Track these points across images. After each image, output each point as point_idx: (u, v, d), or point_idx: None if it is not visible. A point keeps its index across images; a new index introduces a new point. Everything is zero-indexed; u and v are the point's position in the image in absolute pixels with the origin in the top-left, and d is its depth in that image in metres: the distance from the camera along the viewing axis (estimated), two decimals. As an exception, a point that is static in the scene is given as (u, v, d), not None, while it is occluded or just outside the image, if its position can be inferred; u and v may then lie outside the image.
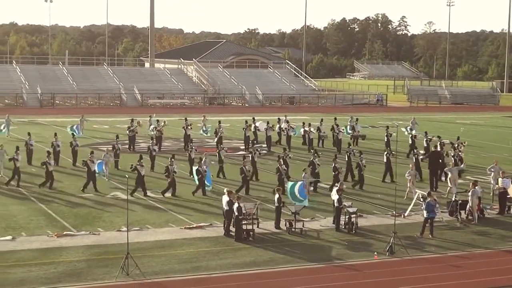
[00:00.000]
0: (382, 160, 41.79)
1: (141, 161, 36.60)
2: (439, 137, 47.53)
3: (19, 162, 38.30)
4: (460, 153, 43.74)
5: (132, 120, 53.74)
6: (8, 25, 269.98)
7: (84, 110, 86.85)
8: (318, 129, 54.81)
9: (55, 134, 46.00)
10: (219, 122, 54.98)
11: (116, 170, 42.34)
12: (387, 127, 53.37)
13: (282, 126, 56.34)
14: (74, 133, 50.15)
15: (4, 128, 56.16)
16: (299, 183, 32.60)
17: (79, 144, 45.81)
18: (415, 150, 42.93)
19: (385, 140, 51.60)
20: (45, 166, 37.35)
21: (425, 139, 48.67)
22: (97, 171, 37.33)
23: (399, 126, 51.21)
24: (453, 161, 42.00)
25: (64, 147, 45.26)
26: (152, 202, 34.67)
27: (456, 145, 44.63)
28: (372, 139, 59.13)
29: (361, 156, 39.52)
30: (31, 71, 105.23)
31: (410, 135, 51.15)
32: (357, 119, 59.48)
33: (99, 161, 38.09)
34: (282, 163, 37.59)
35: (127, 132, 52.15)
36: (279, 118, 57.76)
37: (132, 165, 36.71)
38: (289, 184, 32.99)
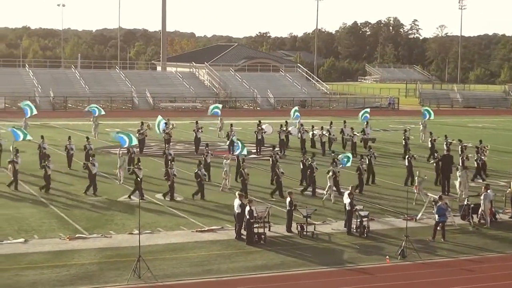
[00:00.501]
0: (395, 163, 41.77)
1: (139, 164, 36.74)
2: (460, 140, 47.30)
3: (18, 164, 38.38)
4: (483, 158, 43.63)
5: (142, 123, 53.80)
6: (21, 29, 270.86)
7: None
8: (328, 132, 54.67)
9: (69, 138, 46.04)
10: (231, 125, 55.04)
11: (128, 174, 42.39)
12: (405, 130, 53.29)
13: (289, 129, 56.29)
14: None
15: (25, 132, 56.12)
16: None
17: (92, 147, 45.83)
18: (435, 154, 42.63)
19: (403, 143, 51.34)
20: (44, 169, 37.36)
21: (445, 142, 48.52)
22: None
23: (410, 130, 51.14)
24: (476, 165, 42.06)
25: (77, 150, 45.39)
26: (164, 205, 34.71)
27: (479, 149, 44.51)
28: (384, 142, 59.00)
29: (362, 160, 39.56)
30: (44, 75, 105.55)
31: (430, 139, 50.79)
32: (367, 122, 59.44)
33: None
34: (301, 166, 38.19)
35: (137, 135, 52.20)
36: (286, 121, 57.72)
37: (129, 168, 36.92)
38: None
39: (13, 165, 38.12)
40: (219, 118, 60.73)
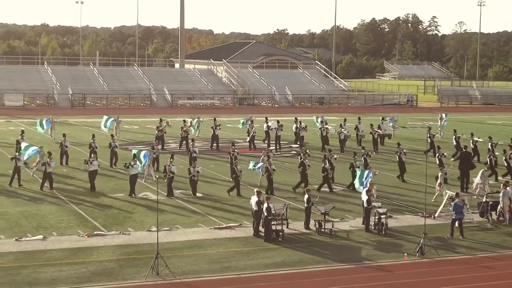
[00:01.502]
0: (413, 160, 41.55)
1: (135, 159, 36.98)
2: (490, 138, 47.38)
3: (21, 161, 38.56)
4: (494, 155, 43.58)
5: (161, 120, 53.97)
6: (40, 27, 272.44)
7: (114, 110, 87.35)
8: (341, 127, 54.45)
9: (93, 136, 46.10)
10: (252, 121, 55.09)
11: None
12: (429, 127, 53.14)
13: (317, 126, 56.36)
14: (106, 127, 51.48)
15: (47, 129, 56.35)
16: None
17: (118, 145, 45.95)
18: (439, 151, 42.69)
19: (429, 141, 51.18)
20: (44, 167, 37.47)
21: (471, 140, 48.39)
22: (142, 162, 37.60)
23: (431, 129, 51.00)
24: (488, 162, 41.97)
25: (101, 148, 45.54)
26: (182, 202, 34.77)
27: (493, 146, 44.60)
28: (402, 139, 58.79)
29: (355, 157, 39.83)
30: (62, 72, 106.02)
31: (454, 137, 50.52)
32: (382, 118, 59.27)
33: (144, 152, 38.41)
34: (327, 163, 38.21)
35: (156, 132, 52.44)
36: (296, 118, 57.68)
37: (125, 163, 37.12)
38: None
39: (15, 161, 38.26)
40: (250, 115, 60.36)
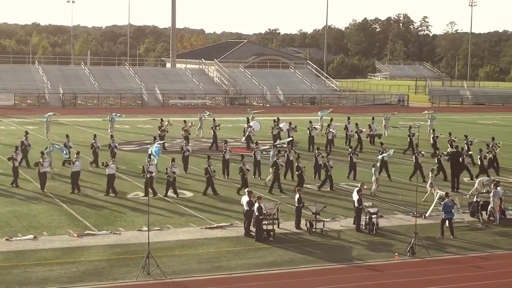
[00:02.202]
0: (401, 160, 41.67)
1: (113, 159, 37.06)
2: (465, 136, 47.51)
3: (18, 161, 38.42)
4: (487, 154, 43.71)
5: (162, 120, 54.12)
6: (31, 26, 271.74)
7: (106, 110, 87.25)
8: (328, 127, 54.45)
9: (95, 136, 45.93)
10: (248, 121, 55.09)
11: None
12: (410, 127, 53.23)
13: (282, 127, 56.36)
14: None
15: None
16: None
17: (117, 145, 45.92)
18: (437, 151, 42.92)
19: (408, 140, 51.47)
20: (37, 167, 37.33)
21: (431, 136, 48.88)
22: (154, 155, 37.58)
23: (420, 127, 50.93)
24: (480, 162, 42.19)
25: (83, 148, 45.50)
26: (173, 202, 34.74)
27: (489, 146, 44.77)
28: (393, 138, 58.89)
29: (328, 156, 40.15)
30: (53, 71, 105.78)
31: (432, 136, 50.80)
32: (373, 118, 59.37)
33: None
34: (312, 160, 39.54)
35: (159, 132, 52.49)
36: (278, 118, 57.62)
37: (103, 162, 37.14)
38: None
39: (13, 162, 38.19)
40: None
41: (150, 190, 34.39)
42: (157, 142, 36.24)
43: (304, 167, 37.71)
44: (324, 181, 38.60)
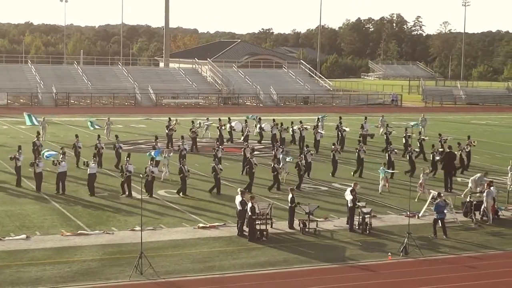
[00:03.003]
0: (396, 160, 41.74)
1: (94, 158, 37.11)
2: (439, 134, 48.18)
3: (20, 161, 38.33)
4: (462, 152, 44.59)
5: (170, 119, 54.18)
6: (24, 25, 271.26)
7: (99, 109, 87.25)
8: (315, 128, 54.47)
9: (99, 136, 45.75)
10: (246, 121, 55.09)
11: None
12: (387, 125, 53.63)
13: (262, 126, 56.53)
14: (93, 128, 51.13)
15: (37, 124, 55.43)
16: None
17: (122, 146, 45.63)
18: (409, 148, 44.16)
19: (385, 138, 51.92)
20: (33, 167, 37.21)
21: (404, 135, 49.14)
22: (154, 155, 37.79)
23: (413, 127, 51.16)
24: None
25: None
26: (166, 202, 34.70)
27: (460, 145, 45.43)
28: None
29: (301, 155, 40.08)
30: (46, 71, 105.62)
31: (404, 134, 50.48)
32: (366, 118, 59.44)
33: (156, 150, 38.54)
34: (303, 158, 39.00)
35: (166, 131, 52.54)
36: (260, 118, 57.64)
37: (85, 162, 37.09)
38: None
39: (15, 162, 38.14)
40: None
41: (145, 189, 34.53)
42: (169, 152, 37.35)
43: (280, 167, 37.85)
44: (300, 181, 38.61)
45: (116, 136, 46.93)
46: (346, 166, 44.59)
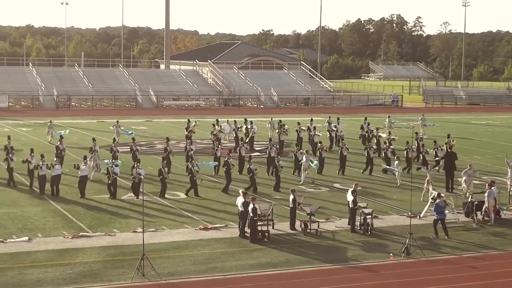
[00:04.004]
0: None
1: (85, 160, 37.09)
2: (416, 133, 49.54)
3: (32, 164, 38.38)
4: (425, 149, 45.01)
5: (189, 121, 54.28)
6: (25, 28, 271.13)
7: (100, 111, 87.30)
8: (309, 129, 54.43)
9: (114, 140, 45.71)
10: (251, 122, 54.98)
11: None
12: (368, 123, 54.45)
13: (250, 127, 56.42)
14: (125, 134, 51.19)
15: (65, 131, 54.76)
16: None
17: (139, 148, 45.82)
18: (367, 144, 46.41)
19: (365, 135, 52.32)
20: (37, 169, 37.27)
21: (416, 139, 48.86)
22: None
23: (414, 127, 51.07)
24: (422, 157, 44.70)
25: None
26: (168, 203, 34.72)
27: (436, 143, 45.74)
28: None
29: (278, 156, 40.40)
30: (47, 73, 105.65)
31: (417, 140, 50.29)
32: (366, 118, 59.44)
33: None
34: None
35: (186, 132, 52.61)
36: (245, 119, 57.38)
37: (74, 164, 37.12)
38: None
39: (28, 164, 38.20)
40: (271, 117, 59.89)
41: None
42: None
43: (256, 169, 37.81)
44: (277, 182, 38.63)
45: (133, 139, 46.86)
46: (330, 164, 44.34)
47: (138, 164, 36.61)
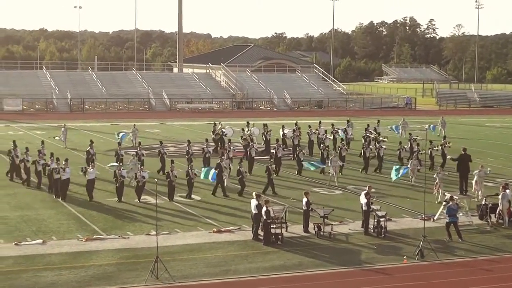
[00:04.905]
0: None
1: (93, 163, 37.09)
2: (410, 134, 50.47)
3: (29, 162, 38.54)
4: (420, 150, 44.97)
5: (215, 124, 54.46)
6: (38, 31, 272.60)
7: (113, 115, 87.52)
8: (325, 133, 54.39)
9: (139, 143, 45.71)
10: (265, 125, 54.92)
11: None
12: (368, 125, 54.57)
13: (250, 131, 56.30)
14: (120, 141, 50.22)
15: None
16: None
17: (166, 151, 45.41)
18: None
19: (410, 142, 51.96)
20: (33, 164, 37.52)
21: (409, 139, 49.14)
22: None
23: (427, 130, 51.11)
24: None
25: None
26: (181, 206, 34.76)
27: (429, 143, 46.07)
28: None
29: (271, 160, 40.30)
30: (61, 77, 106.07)
31: (409, 141, 50.02)
32: (378, 121, 59.37)
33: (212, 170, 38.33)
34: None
35: (213, 136, 52.74)
36: (248, 122, 57.36)
37: (82, 167, 37.11)
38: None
39: (36, 166, 38.51)
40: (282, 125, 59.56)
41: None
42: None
43: (246, 172, 38.14)
44: (267, 185, 38.38)
45: (160, 142, 46.77)
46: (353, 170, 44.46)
47: (142, 167, 36.68)
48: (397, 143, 49.03)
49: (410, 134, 51.00)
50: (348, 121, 58.43)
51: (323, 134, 53.10)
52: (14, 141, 43.59)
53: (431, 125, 64.60)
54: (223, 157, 39.67)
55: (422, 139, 44.73)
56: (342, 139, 50.06)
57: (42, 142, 45.49)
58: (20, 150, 42.05)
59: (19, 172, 41.08)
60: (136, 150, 43.89)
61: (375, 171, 44.85)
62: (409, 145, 47.73)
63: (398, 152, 46.67)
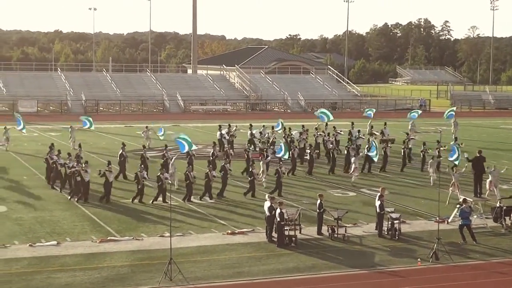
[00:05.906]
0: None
1: (110, 166, 36.71)
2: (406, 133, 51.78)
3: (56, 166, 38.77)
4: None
5: (230, 125, 54.51)
6: (53, 33, 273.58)
7: (127, 116, 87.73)
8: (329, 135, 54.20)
9: (166, 146, 45.57)
10: (272, 127, 54.89)
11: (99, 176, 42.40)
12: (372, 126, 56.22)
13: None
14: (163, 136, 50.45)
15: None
16: None
17: (194, 153, 45.15)
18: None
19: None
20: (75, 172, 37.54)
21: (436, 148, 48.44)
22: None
23: (442, 132, 50.85)
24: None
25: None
26: (195, 208, 34.81)
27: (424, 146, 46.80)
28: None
29: (280, 162, 39.39)
30: (76, 78, 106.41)
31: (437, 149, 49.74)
32: (385, 123, 59.18)
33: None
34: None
35: (228, 137, 52.74)
36: (251, 124, 56.98)
37: (100, 170, 36.94)
38: None
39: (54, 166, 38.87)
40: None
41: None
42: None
43: (257, 174, 38.33)
44: (277, 187, 38.31)
45: (166, 146, 46.70)
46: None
47: (163, 169, 36.65)
48: (401, 143, 48.83)
49: (407, 134, 52.58)
50: (352, 124, 57.93)
51: (328, 136, 53.05)
52: (52, 144, 43.35)
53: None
54: (227, 159, 39.68)
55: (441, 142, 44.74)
56: (438, 141, 47.07)
57: (80, 145, 45.40)
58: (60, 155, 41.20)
59: (60, 177, 39.80)
60: (163, 152, 43.45)
61: (380, 171, 45.52)
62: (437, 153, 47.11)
63: (402, 151, 47.37)
